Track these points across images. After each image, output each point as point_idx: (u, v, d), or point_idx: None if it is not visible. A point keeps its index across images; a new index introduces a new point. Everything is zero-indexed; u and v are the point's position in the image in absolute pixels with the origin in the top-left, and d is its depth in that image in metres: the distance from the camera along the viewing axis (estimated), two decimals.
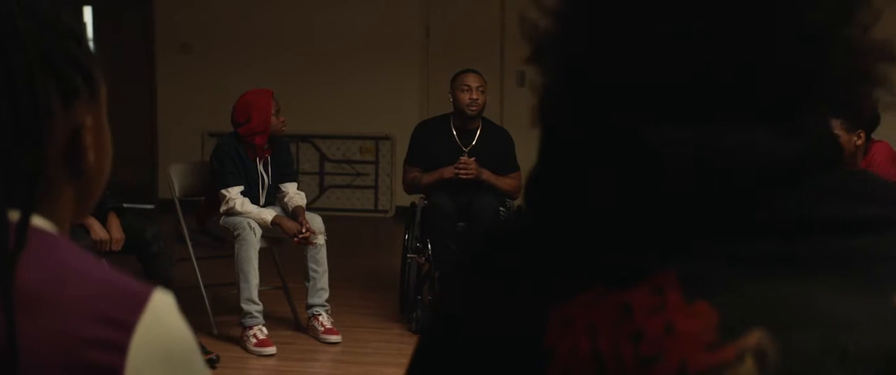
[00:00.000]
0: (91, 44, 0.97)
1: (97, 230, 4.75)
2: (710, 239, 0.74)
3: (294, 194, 5.35)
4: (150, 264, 4.86)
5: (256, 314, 5.07)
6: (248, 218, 5.11)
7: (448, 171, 5.44)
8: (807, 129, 0.76)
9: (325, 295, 5.25)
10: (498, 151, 5.62)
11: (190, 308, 4.98)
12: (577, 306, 0.76)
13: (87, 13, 9.51)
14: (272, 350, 5.04)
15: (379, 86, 8.99)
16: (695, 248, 0.74)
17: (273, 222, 5.13)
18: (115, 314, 0.84)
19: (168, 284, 4.84)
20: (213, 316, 5.31)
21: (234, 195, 5.15)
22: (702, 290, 0.73)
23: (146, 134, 9.38)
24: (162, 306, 0.86)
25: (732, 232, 0.73)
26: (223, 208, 5.17)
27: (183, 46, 9.17)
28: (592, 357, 0.74)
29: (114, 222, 4.84)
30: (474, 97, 5.51)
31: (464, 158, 5.45)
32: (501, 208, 5.49)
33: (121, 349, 0.83)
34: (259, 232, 5.11)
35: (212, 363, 4.78)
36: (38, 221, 0.89)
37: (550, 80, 0.83)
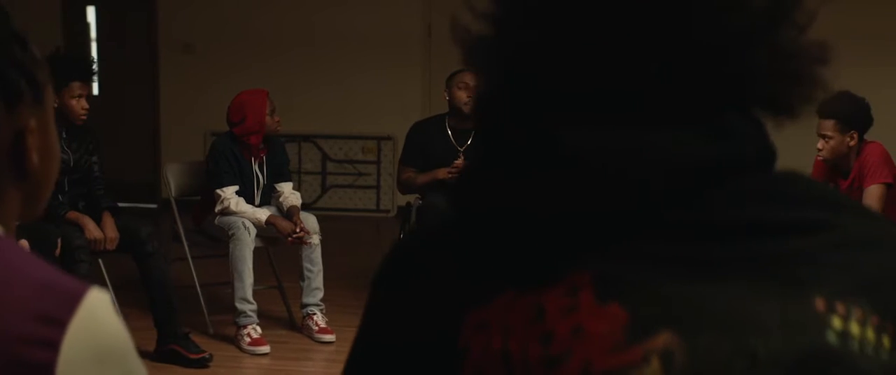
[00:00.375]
0: (35, 49, 0.99)
1: (91, 229, 4.77)
2: (629, 241, 0.74)
3: (289, 194, 5.36)
4: (144, 263, 4.87)
5: (251, 313, 5.09)
6: (242, 217, 5.12)
7: (442, 172, 5.44)
8: (733, 131, 0.76)
9: (320, 294, 5.26)
10: None
11: (185, 307, 5.02)
12: (494, 308, 0.76)
13: (91, 13, 9.55)
14: (266, 349, 5.05)
15: (381, 86, 8.99)
16: (612, 250, 0.74)
17: (267, 221, 5.14)
18: (50, 312, 0.85)
19: (163, 283, 4.86)
20: (209, 315, 5.32)
21: (229, 195, 5.17)
22: (615, 292, 0.73)
23: (149, 133, 9.41)
24: (96, 304, 0.87)
25: (651, 234, 0.73)
26: (218, 208, 5.19)
27: (186, 46, 9.20)
28: (502, 357, 0.75)
29: (108, 221, 4.86)
30: (472, 95, 5.50)
31: (458, 161, 5.45)
32: None
33: (54, 345, 0.84)
34: (253, 231, 5.13)
35: (205, 361, 4.80)
36: None
37: (483, 83, 0.84)
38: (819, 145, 4.76)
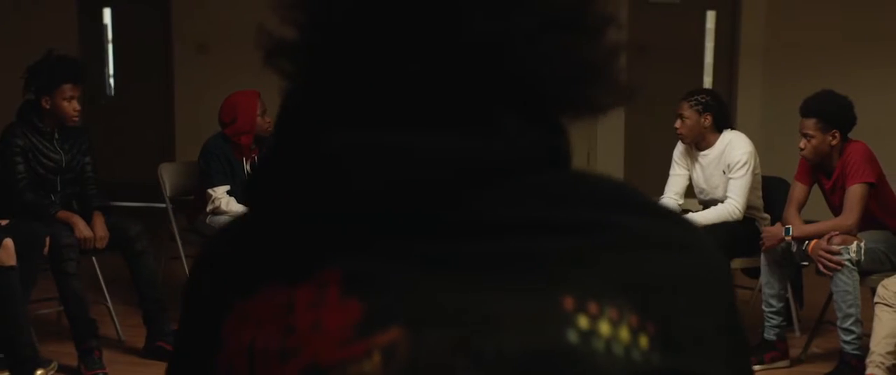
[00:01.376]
0: None
1: (81, 228, 4.85)
2: (386, 239, 0.74)
3: None
4: (133, 262, 4.95)
5: None
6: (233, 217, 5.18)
7: None
8: (506, 132, 0.75)
9: None
10: None
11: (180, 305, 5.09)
12: (254, 301, 0.78)
13: (107, 15, 9.67)
14: None
15: None
16: (367, 248, 0.74)
17: None
18: None
19: (153, 282, 4.94)
20: None
21: (220, 194, 5.23)
22: (358, 288, 0.73)
23: (164, 133, 9.50)
24: None
25: (411, 233, 0.74)
26: (209, 207, 5.26)
27: (200, 46, 9.27)
28: (248, 350, 0.76)
29: (98, 220, 4.93)
30: None
31: None
32: None
33: None
34: None
35: None
36: None
37: (286, 84, 0.86)
38: (801, 144, 4.74)
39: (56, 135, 4.92)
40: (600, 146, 9.26)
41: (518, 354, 0.69)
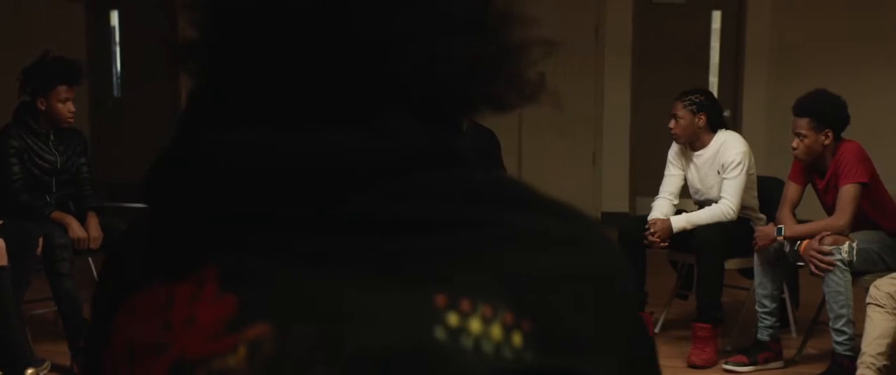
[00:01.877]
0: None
1: (75, 228, 4.88)
2: (268, 236, 0.74)
3: None
4: None
5: None
6: None
7: None
8: (395, 130, 0.76)
9: None
10: (481, 150, 5.65)
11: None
12: (142, 297, 0.78)
13: (115, 17, 9.72)
14: None
15: None
16: (248, 244, 0.75)
17: None
18: None
19: None
20: None
21: None
22: (235, 283, 0.74)
23: (171, 135, 9.53)
24: None
25: (293, 230, 0.74)
26: None
27: None
28: (128, 344, 0.77)
29: (92, 221, 4.97)
30: None
31: None
32: None
33: None
34: None
35: None
36: None
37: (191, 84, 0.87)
38: (794, 144, 4.72)
39: (51, 137, 4.96)
40: (606, 147, 9.25)
41: (381, 350, 0.69)
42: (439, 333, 0.70)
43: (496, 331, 0.71)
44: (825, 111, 4.65)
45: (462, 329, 0.70)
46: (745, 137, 8.52)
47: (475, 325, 0.70)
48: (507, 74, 0.81)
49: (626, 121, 9.12)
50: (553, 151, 9.27)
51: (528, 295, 0.72)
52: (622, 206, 8.92)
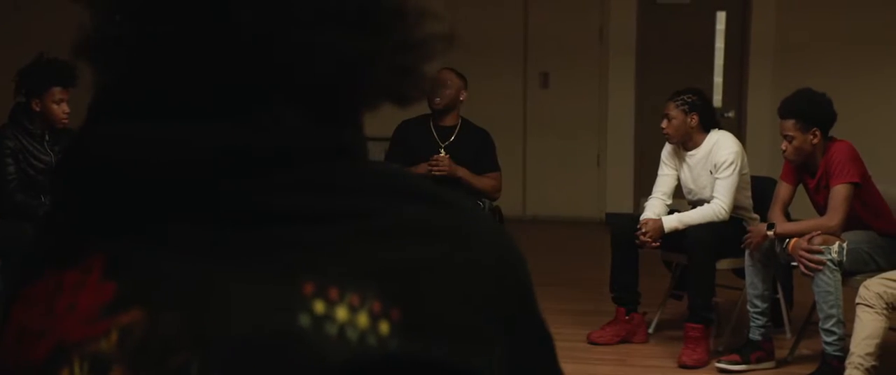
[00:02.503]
0: None
1: None
2: (151, 225, 0.76)
3: None
4: None
5: None
6: None
7: (422, 168, 5.49)
8: (280, 123, 0.77)
9: None
10: (475, 149, 5.64)
11: None
12: (37, 285, 0.81)
13: None
14: None
15: None
16: (132, 233, 0.77)
17: None
18: None
19: None
20: None
21: None
22: (116, 271, 0.76)
23: None
24: None
25: (175, 220, 0.76)
26: None
27: None
28: (18, 329, 0.80)
29: None
30: (434, 90, 5.56)
31: (439, 156, 5.50)
32: None
33: None
34: None
35: None
36: None
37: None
38: (782, 146, 4.71)
39: (46, 137, 5.00)
40: (610, 148, 9.24)
41: (245, 336, 0.71)
42: (304, 320, 0.71)
43: (362, 319, 0.72)
44: (810, 110, 4.64)
45: (327, 317, 0.72)
46: (749, 138, 8.58)
47: (341, 313, 0.72)
48: (401, 68, 0.82)
49: (631, 122, 9.11)
50: (557, 153, 9.27)
51: (400, 284, 0.74)
52: (627, 207, 8.91)
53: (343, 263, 0.74)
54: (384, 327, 0.72)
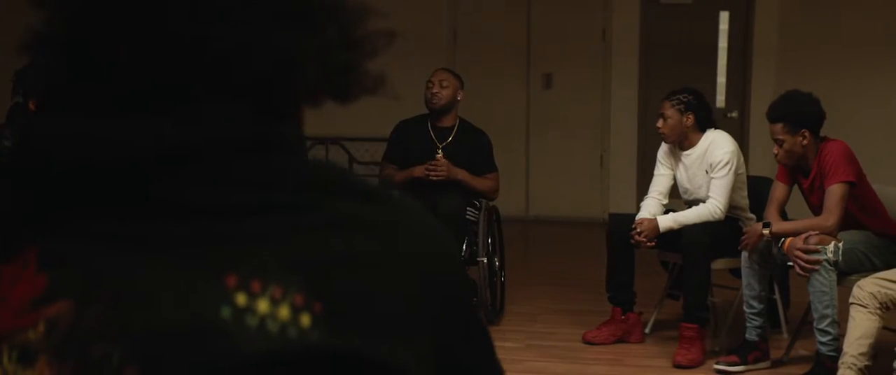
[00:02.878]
0: None
1: None
2: (82, 220, 0.78)
3: None
4: None
5: None
6: None
7: (419, 170, 5.50)
8: (211, 118, 0.78)
9: None
10: (472, 150, 5.65)
11: None
12: None
13: None
14: None
15: (407, 88, 9.06)
16: (65, 227, 0.78)
17: None
18: None
19: None
20: None
21: None
22: (49, 264, 0.77)
23: None
24: None
25: (106, 213, 0.77)
26: None
27: None
28: None
29: None
30: (434, 91, 5.57)
31: (435, 161, 5.50)
32: (469, 208, 5.53)
33: None
34: None
35: None
36: None
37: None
38: (774, 150, 4.70)
39: None
40: (613, 148, 9.23)
41: (166, 327, 0.72)
42: (225, 312, 0.73)
43: (284, 312, 0.73)
44: (797, 112, 4.63)
45: (249, 309, 0.73)
46: (752, 138, 8.57)
47: (263, 305, 0.73)
48: (340, 66, 0.83)
49: (634, 122, 9.10)
50: (561, 153, 9.27)
51: (325, 277, 0.75)
52: (630, 208, 8.87)
53: (268, 256, 0.74)
54: (305, 319, 0.73)
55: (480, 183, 5.60)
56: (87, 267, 0.76)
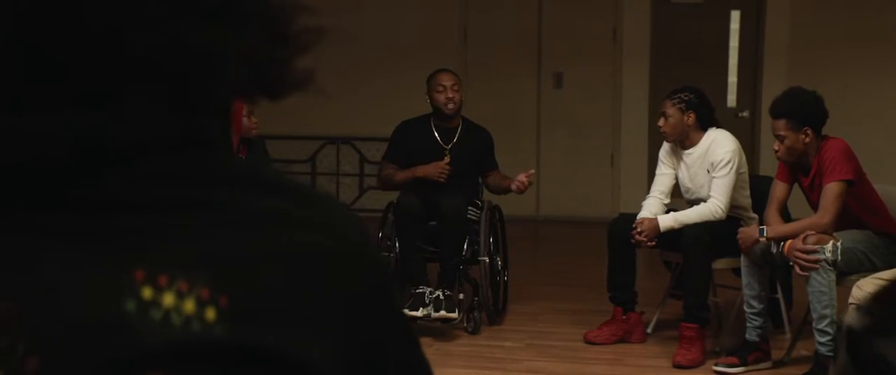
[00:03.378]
0: None
1: None
2: (10, 215, 0.77)
3: None
4: None
5: None
6: None
7: (421, 170, 5.51)
8: (131, 114, 0.78)
9: None
10: (478, 149, 5.67)
11: None
12: None
13: None
14: None
15: (418, 88, 9.07)
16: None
17: None
18: None
19: None
20: None
21: None
22: None
23: None
24: None
25: (19, 208, 0.77)
26: None
27: None
28: None
29: None
30: (450, 96, 5.56)
31: (447, 159, 5.53)
32: (471, 208, 5.53)
33: None
34: None
35: None
36: None
37: None
38: (775, 147, 4.68)
39: None
40: (624, 148, 9.21)
41: (71, 322, 0.73)
42: (130, 305, 0.73)
43: (189, 305, 0.74)
44: (800, 109, 4.60)
45: (154, 303, 0.73)
46: (763, 138, 8.52)
47: (168, 299, 0.73)
48: (268, 62, 0.83)
49: (644, 122, 9.07)
50: (571, 153, 9.26)
51: (233, 271, 0.75)
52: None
53: (178, 251, 0.75)
54: (210, 313, 0.74)
55: (505, 182, 5.65)
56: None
